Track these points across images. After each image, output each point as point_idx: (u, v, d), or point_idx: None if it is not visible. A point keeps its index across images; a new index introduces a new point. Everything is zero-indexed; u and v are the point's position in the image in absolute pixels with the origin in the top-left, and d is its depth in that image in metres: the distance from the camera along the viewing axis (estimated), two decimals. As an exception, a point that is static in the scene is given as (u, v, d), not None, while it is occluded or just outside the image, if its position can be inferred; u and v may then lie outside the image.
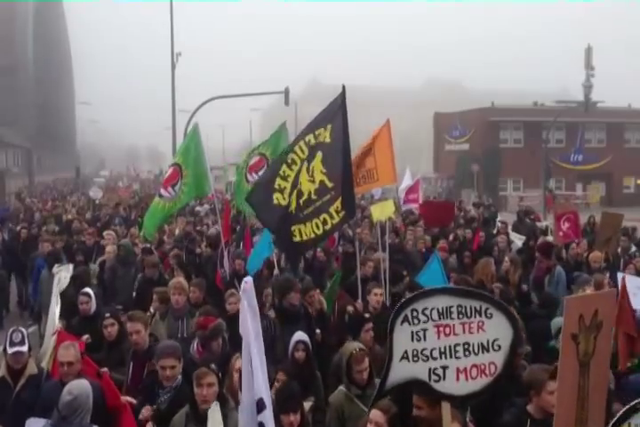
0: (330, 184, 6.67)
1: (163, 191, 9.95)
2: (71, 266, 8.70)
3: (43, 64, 74.58)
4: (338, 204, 6.58)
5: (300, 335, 5.74)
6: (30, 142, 61.51)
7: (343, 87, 7.00)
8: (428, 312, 3.68)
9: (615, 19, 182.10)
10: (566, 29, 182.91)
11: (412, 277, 8.98)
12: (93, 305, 6.98)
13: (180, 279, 7.18)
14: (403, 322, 3.69)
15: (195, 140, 9.95)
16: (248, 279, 3.71)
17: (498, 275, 8.68)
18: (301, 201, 6.79)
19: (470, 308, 3.68)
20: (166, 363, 4.86)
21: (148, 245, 11.10)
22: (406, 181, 17.93)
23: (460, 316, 3.68)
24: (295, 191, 6.84)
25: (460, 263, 10.85)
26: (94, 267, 10.23)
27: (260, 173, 10.34)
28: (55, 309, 6.95)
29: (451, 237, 12.86)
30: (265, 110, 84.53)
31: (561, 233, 11.45)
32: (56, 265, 9.15)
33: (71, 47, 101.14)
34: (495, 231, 14.41)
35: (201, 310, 6.37)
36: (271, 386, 4.28)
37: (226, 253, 9.62)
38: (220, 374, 4.78)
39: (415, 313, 3.67)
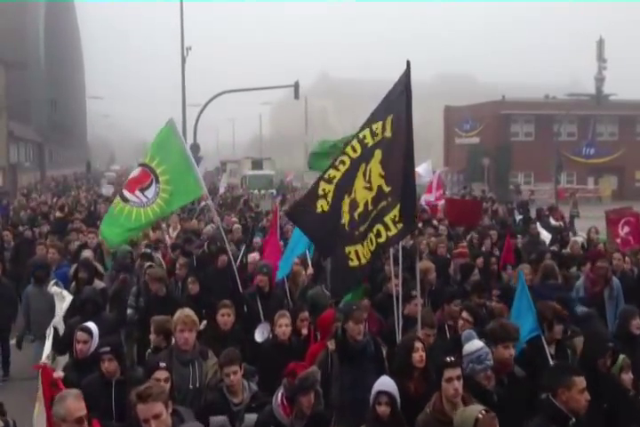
0: (387, 188, 5.30)
1: (128, 195, 8.10)
2: (69, 297, 7.14)
3: (54, 59, 74.76)
4: (395, 212, 5.24)
5: (383, 383, 4.42)
6: (42, 137, 61.81)
7: (408, 63, 5.40)
8: None
9: (627, 10, 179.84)
10: (577, 21, 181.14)
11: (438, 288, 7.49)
12: (94, 345, 5.38)
13: (187, 312, 5.42)
14: None
15: (171, 138, 8.26)
16: None
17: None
18: (356, 214, 5.38)
19: None
20: None
21: (149, 251, 9.64)
22: (425, 177, 17.07)
23: None
24: (348, 201, 5.46)
25: (484, 270, 8.92)
26: (98, 284, 8.20)
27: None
28: (48, 342, 5.82)
29: (473, 240, 11.23)
30: (275, 104, 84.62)
31: (618, 240, 10.21)
32: (51, 283, 7.59)
33: (82, 42, 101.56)
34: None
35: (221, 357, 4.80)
36: None
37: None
38: None
39: None
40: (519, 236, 12.29)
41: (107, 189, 25.26)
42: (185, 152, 8.23)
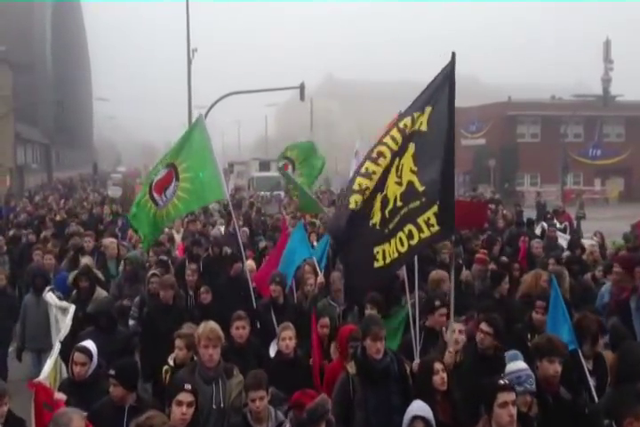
0: (420, 187, 4.93)
1: (157, 198, 7.88)
2: (72, 308, 6.78)
3: (61, 62, 75.05)
4: (430, 214, 4.87)
5: (418, 408, 4.13)
6: (48, 139, 62.08)
7: (453, 54, 5.01)
8: None
9: (633, 10, 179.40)
10: (583, 22, 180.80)
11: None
12: (92, 367, 5.02)
13: (212, 325, 5.05)
14: None
15: (197, 135, 8.01)
16: None
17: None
18: (387, 211, 5.04)
19: None
20: None
21: (165, 258, 9.24)
22: None
23: None
24: (380, 197, 5.07)
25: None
26: (100, 292, 7.82)
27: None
28: (50, 361, 5.49)
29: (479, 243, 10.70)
30: (280, 106, 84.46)
31: None
32: (46, 290, 7.18)
33: (89, 44, 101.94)
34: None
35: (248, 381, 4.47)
36: None
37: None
38: None
39: None
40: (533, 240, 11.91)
41: (113, 191, 25.36)
42: (210, 151, 7.90)
